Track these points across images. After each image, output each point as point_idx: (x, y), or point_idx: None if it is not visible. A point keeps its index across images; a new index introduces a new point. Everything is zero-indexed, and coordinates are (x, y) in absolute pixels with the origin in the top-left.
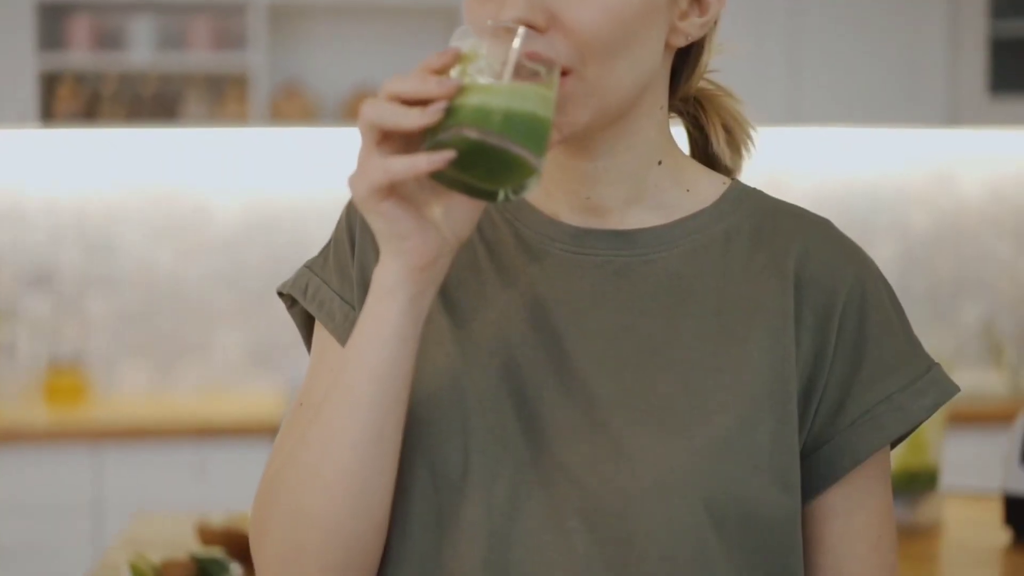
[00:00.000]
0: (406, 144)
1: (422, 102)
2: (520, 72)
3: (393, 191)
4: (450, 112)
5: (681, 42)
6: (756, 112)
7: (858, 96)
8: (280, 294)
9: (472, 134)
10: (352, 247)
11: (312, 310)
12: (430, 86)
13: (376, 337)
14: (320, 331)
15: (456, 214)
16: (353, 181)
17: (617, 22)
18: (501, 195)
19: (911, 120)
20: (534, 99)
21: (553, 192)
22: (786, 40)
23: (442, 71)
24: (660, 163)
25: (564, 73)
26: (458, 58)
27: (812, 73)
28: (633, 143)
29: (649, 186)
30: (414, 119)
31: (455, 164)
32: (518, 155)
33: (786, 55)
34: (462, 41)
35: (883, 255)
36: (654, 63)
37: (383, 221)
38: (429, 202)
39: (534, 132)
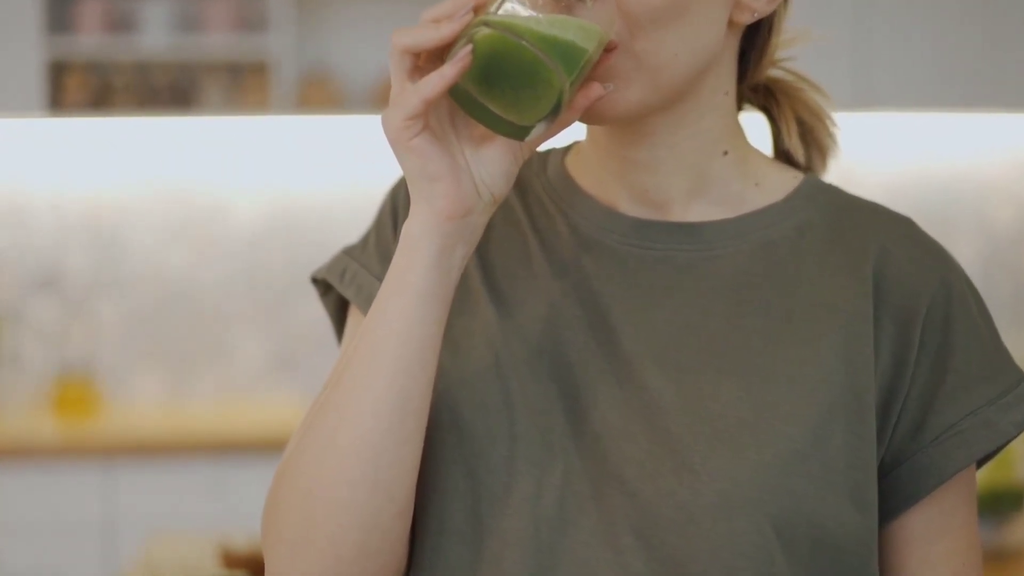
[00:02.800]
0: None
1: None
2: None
3: (426, 124)
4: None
5: (747, 19)
6: None
7: (934, 78)
8: (314, 281)
9: (500, 31)
10: (395, 229)
11: (349, 295)
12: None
13: (400, 293)
14: (355, 316)
15: (488, 163)
16: (387, 115)
17: None
18: (528, 132)
19: (994, 104)
20: (574, 29)
21: (609, 183)
22: (853, 15)
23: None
24: (726, 154)
25: (611, 48)
26: None
27: (882, 52)
28: (696, 131)
29: (714, 178)
30: (444, 29)
31: (480, 79)
32: (545, 64)
33: (853, 32)
34: None
35: (963, 254)
36: (713, 40)
37: (415, 158)
38: (462, 147)
39: (568, 53)
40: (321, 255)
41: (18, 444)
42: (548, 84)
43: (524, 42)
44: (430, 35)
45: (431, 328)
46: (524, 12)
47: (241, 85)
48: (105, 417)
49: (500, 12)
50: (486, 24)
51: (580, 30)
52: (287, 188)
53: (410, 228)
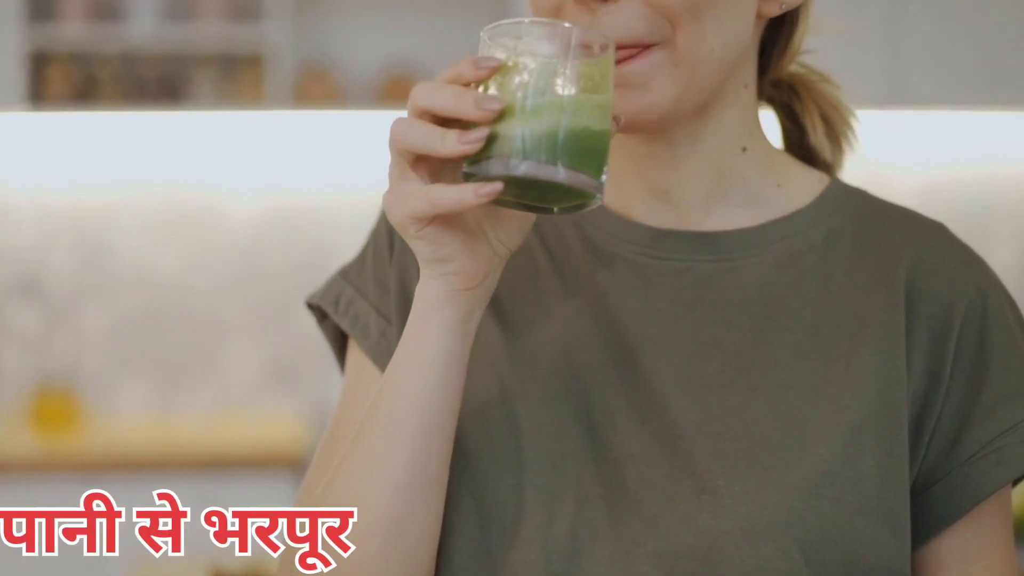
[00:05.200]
0: (443, 162)
1: (458, 118)
2: (567, 68)
3: (436, 217)
4: (492, 137)
5: (774, 11)
6: (850, 93)
7: (971, 73)
8: (310, 306)
9: (520, 168)
10: (390, 252)
11: (345, 326)
12: (466, 106)
13: (418, 361)
14: (355, 350)
15: (508, 226)
16: (390, 205)
17: None
18: (558, 210)
19: None
20: (587, 111)
21: (626, 185)
22: (887, 7)
23: (476, 82)
24: (744, 150)
25: (649, 46)
26: (495, 71)
27: (917, 46)
28: (716, 127)
29: (733, 177)
30: (451, 146)
31: (505, 191)
32: (573, 185)
33: (886, 25)
34: (497, 42)
35: (1000, 260)
36: (746, 33)
37: (426, 246)
38: (476, 216)
39: (590, 152)
40: (320, 258)
41: None
42: (580, 193)
43: (549, 177)
44: (434, 146)
45: (452, 393)
46: (527, 95)
47: (235, 78)
48: (88, 431)
49: (516, 125)
50: (503, 156)
51: (594, 110)
52: (284, 187)
53: (425, 294)
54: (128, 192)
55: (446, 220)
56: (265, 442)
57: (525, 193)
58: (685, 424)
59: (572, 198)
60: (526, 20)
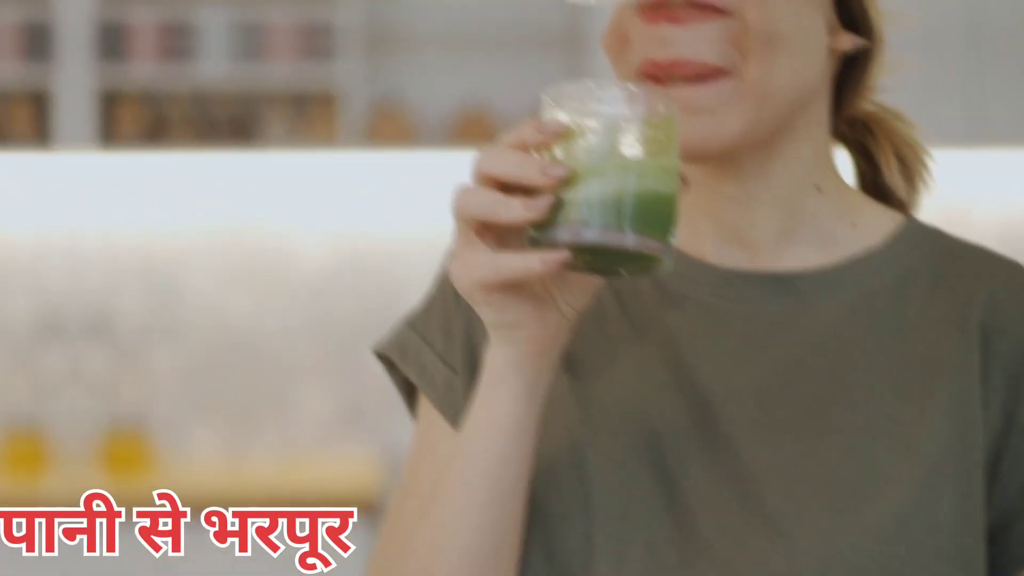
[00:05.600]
0: (508, 228)
1: (522, 185)
2: (632, 130)
3: (503, 284)
4: (558, 203)
5: (847, 45)
6: (929, 131)
7: None
8: (377, 355)
9: (587, 235)
10: (456, 299)
11: (412, 376)
12: (531, 173)
13: (489, 429)
14: (424, 400)
15: (575, 289)
16: (456, 273)
17: (781, 6)
18: (626, 274)
19: None
20: (653, 174)
21: (697, 222)
22: (966, 45)
23: (540, 147)
24: (819, 189)
25: (720, 74)
26: (559, 135)
27: (998, 84)
28: (788, 163)
29: (806, 216)
30: (516, 213)
31: (572, 257)
32: (641, 251)
33: (966, 63)
34: (561, 105)
35: None
36: (817, 67)
37: (493, 312)
38: (543, 281)
39: (658, 216)
40: (392, 300)
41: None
42: (651, 258)
43: (616, 243)
44: (499, 214)
45: (525, 458)
46: (593, 159)
47: (306, 117)
48: (159, 474)
49: (582, 190)
50: (570, 223)
51: (660, 173)
52: (356, 229)
53: (494, 361)
54: (199, 233)
55: (513, 286)
56: (336, 485)
57: (593, 259)
58: (758, 468)
59: (641, 263)
60: (590, 83)
